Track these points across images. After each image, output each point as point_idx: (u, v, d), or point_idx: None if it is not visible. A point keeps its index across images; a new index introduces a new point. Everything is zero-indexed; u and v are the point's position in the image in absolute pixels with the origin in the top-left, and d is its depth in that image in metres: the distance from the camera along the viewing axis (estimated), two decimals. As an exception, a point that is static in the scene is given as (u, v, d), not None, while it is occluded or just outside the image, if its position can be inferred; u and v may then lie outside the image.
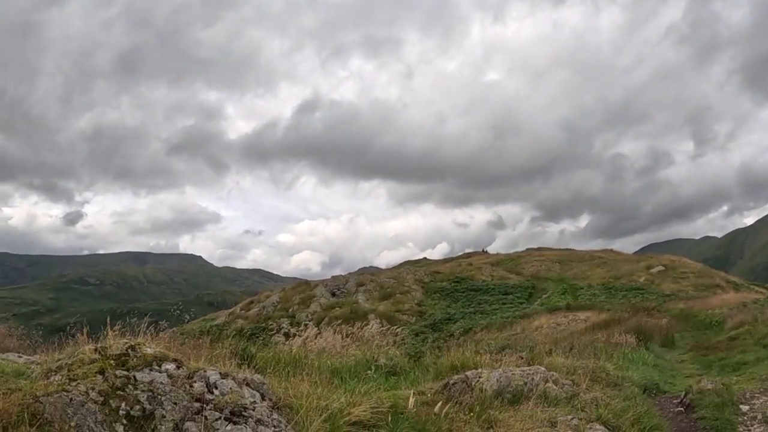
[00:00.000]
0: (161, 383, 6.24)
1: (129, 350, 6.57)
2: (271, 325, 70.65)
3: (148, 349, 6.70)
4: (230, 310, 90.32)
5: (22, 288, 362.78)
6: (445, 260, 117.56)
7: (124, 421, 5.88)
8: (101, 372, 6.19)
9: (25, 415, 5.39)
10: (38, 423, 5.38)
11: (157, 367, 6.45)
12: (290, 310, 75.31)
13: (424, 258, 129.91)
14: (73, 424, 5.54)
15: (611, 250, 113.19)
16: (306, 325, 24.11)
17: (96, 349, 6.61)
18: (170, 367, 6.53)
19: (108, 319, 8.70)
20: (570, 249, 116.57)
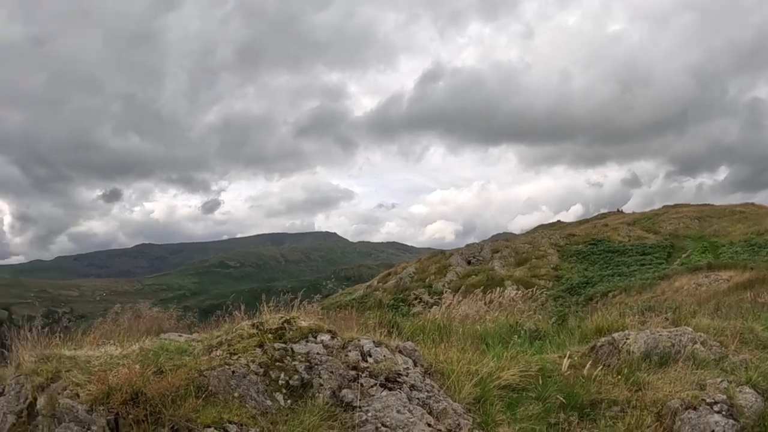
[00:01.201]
0: (317, 353, 6.45)
1: (285, 324, 6.81)
2: (409, 295, 70.93)
3: (303, 322, 6.93)
4: (368, 283, 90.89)
5: (166, 275, 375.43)
6: (580, 222, 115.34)
7: (284, 391, 6.12)
8: (260, 345, 6.46)
9: (192, 388, 5.68)
10: (204, 395, 5.67)
11: (312, 339, 6.66)
12: (427, 280, 75.34)
13: (558, 221, 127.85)
14: (236, 394, 5.80)
15: (753, 203, 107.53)
16: (445, 293, 24.20)
17: (253, 325, 6.89)
18: (325, 338, 6.73)
19: (263, 297, 9.02)
20: (708, 204, 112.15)
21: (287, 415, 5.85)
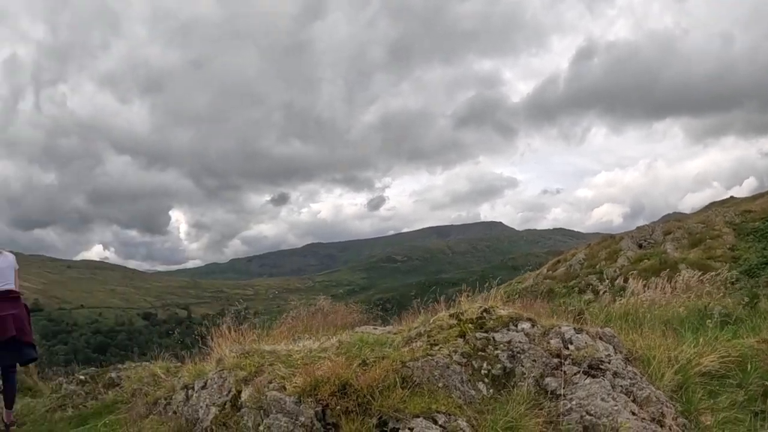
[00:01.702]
0: (519, 342, 6.30)
1: (483, 313, 6.70)
2: (580, 283, 69.66)
3: (502, 311, 6.80)
4: (537, 272, 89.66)
5: (336, 271, 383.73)
6: (755, 197, 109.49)
7: (486, 380, 6.00)
8: (461, 335, 6.37)
9: (396, 378, 5.65)
10: (409, 386, 5.62)
11: (513, 327, 6.52)
12: (597, 266, 73.57)
13: (731, 197, 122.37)
14: (440, 385, 5.73)
15: None
16: (619, 279, 23.54)
17: (452, 315, 6.82)
18: (525, 326, 6.57)
19: (477, 282, 9.00)
20: None
21: (491, 405, 5.74)
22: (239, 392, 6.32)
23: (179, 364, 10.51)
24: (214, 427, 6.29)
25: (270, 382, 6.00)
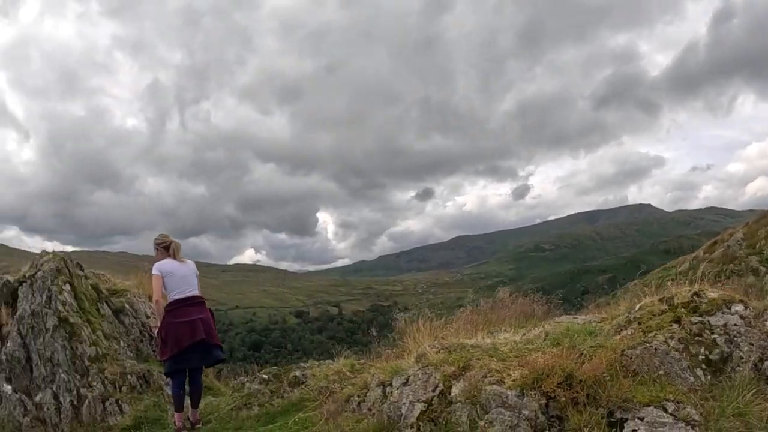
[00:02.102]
0: (734, 325, 6.08)
1: (694, 297, 6.51)
2: (739, 265, 67.26)
3: (713, 294, 6.59)
4: (693, 255, 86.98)
5: (484, 263, 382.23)
6: None
7: (703, 366, 5.83)
8: (676, 321, 6.20)
9: (617, 367, 5.55)
10: (630, 374, 5.52)
11: (726, 310, 6.31)
12: (757, 246, 70.99)
13: None
14: (661, 372, 5.60)
15: None
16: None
17: (661, 300, 6.65)
18: (739, 308, 6.33)
19: (628, 268, 8.75)
20: None
21: (712, 392, 5.56)
22: (448, 388, 6.31)
23: (363, 361, 10.62)
24: (420, 423, 6.31)
25: (484, 377, 5.98)
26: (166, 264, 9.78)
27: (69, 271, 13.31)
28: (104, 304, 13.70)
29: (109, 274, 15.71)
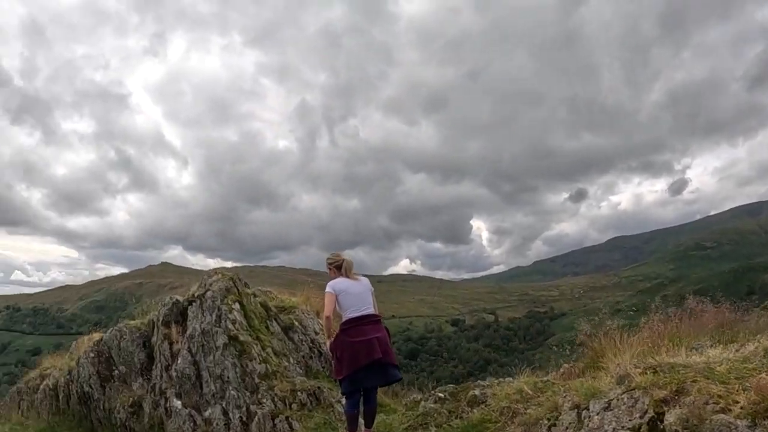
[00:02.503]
0: None
1: None
2: None
3: None
4: None
5: (642, 265, 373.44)
6: None
7: None
8: None
9: None
10: None
11: None
12: None
13: None
14: None
15: None
16: None
17: None
18: None
19: None
20: None
21: None
22: (659, 415, 5.65)
23: (546, 378, 10.02)
24: (624, 454, 5.71)
25: (706, 403, 5.30)
26: (339, 282, 9.61)
27: (238, 290, 13.61)
28: (273, 321, 13.88)
29: (275, 290, 15.84)
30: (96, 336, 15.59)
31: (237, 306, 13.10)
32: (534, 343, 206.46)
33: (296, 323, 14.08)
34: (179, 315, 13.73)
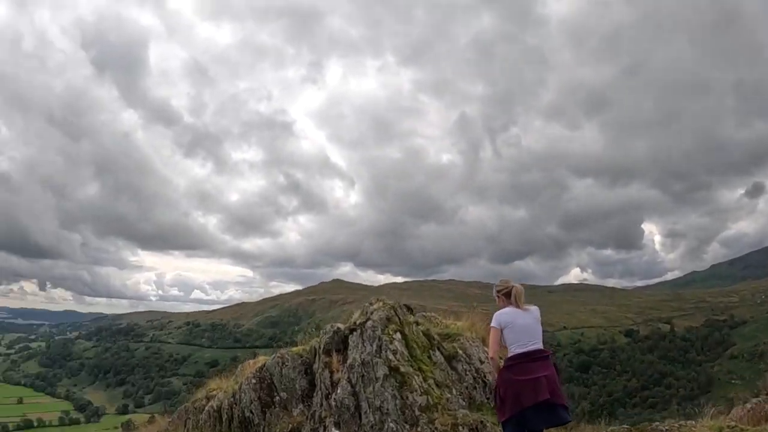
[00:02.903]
0: None
1: None
2: None
3: None
4: None
5: None
6: None
7: None
8: None
9: None
10: None
11: None
12: None
13: None
14: None
15: None
16: None
17: None
18: None
19: None
20: None
21: None
22: None
23: (734, 424, 9.05)
24: None
25: None
26: (505, 314, 8.98)
27: (399, 319, 13.31)
28: (436, 350, 13.43)
29: (440, 315, 15.49)
30: (260, 360, 15.68)
31: (398, 336, 12.79)
32: (713, 355, 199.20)
33: (460, 352, 13.57)
34: (340, 343, 13.62)
